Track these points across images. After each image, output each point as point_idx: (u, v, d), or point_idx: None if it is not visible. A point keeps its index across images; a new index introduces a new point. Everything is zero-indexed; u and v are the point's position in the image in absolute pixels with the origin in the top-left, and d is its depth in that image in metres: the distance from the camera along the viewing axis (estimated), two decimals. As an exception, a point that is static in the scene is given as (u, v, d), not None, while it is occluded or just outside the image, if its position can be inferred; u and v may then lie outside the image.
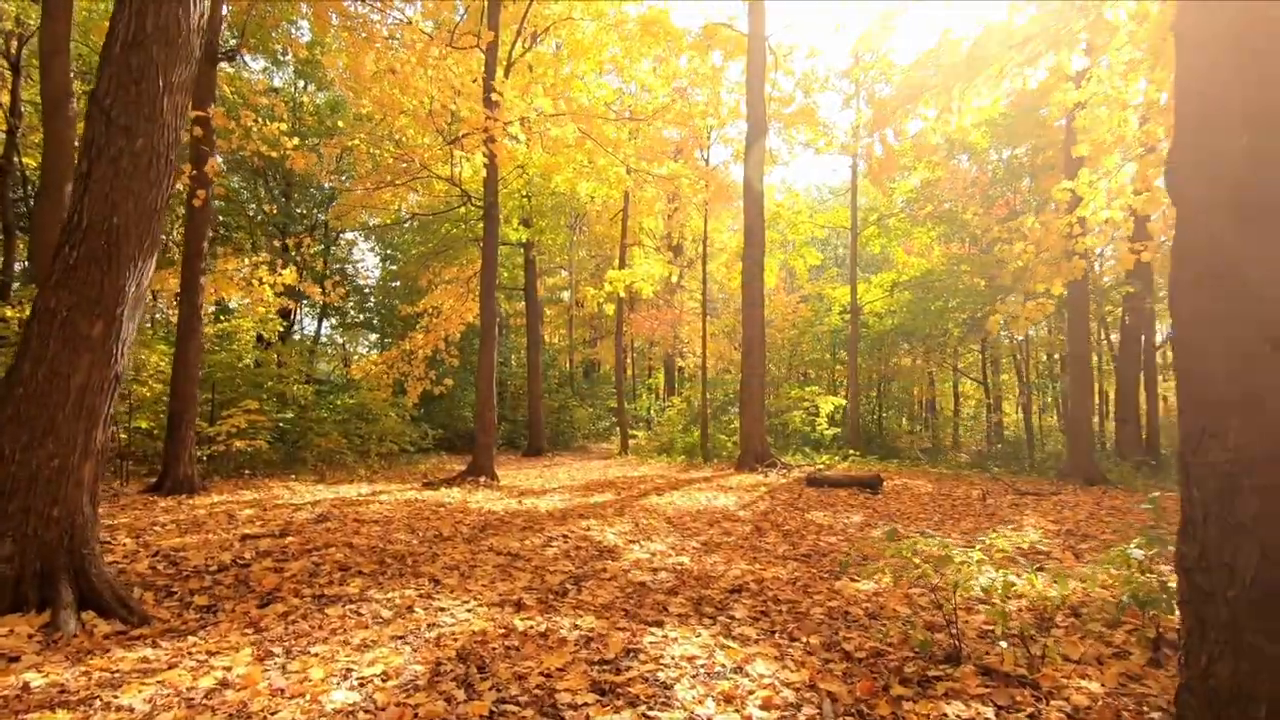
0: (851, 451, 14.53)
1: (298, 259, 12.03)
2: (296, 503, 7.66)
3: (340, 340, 29.17)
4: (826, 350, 21.75)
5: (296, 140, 9.24)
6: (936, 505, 8.02)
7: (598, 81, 15.43)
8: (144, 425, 9.76)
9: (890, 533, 3.14)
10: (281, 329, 12.71)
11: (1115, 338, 25.35)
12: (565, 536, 5.94)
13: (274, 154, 9.24)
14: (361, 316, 23.95)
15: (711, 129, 15.51)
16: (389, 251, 22.42)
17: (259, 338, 14.24)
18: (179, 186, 6.94)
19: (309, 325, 25.62)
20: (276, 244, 15.83)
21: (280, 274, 9.26)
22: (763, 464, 12.26)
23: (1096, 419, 22.57)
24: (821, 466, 12.41)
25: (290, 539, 5.54)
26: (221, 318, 12.50)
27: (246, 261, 8.81)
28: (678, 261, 26.51)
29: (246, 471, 10.87)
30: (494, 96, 7.70)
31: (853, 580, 4.63)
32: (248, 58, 18.29)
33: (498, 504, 7.97)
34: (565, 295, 31.09)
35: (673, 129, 13.03)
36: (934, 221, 16.65)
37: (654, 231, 20.48)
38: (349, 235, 24.91)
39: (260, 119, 8.94)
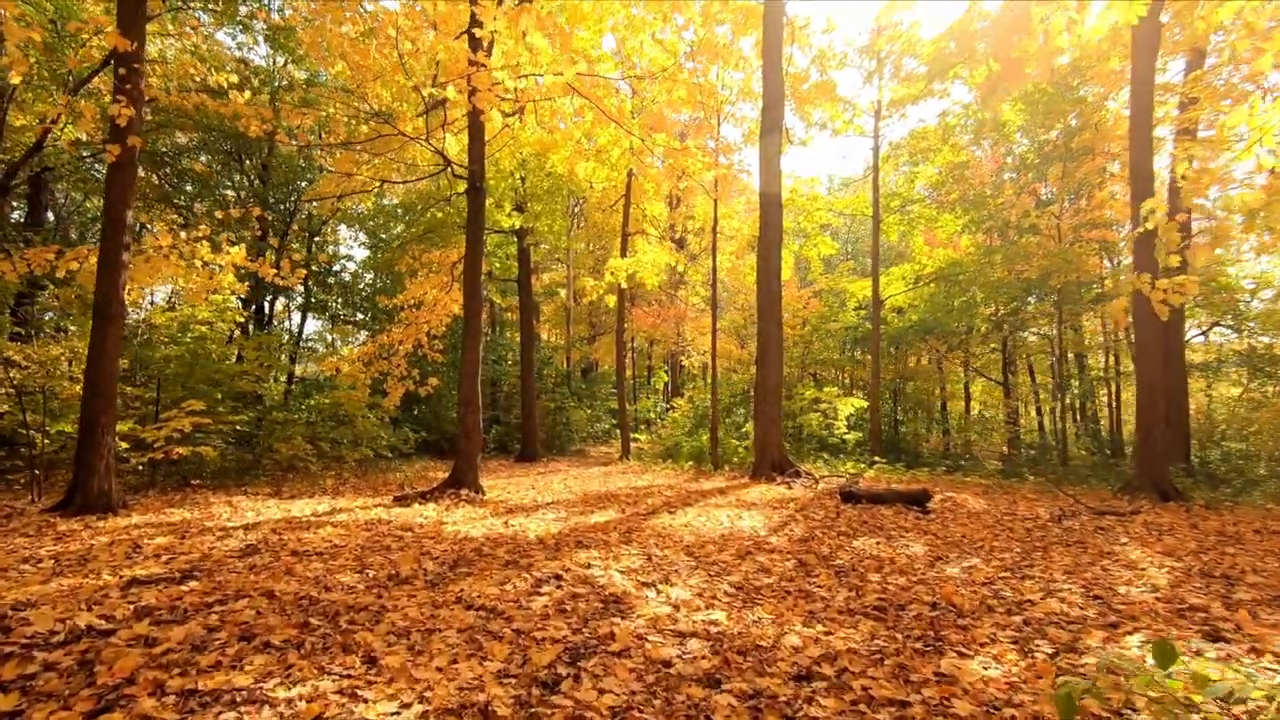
0: (877, 459, 13.22)
1: (248, 235, 10.61)
2: (232, 525, 6.30)
3: (331, 338, 27.72)
4: (839, 349, 20.43)
5: (248, 95, 7.88)
6: (1006, 529, 6.69)
7: (600, 53, 14.11)
8: (69, 429, 8.39)
9: (1160, 648, 1.75)
10: (241, 320, 11.32)
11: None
12: (559, 577, 4.59)
13: (222, 110, 7.88)
14: (345, 311, 22.57)
15: (723, 104, 14.19)
16: (375, 242, 21.03)
17: (238, 331, 12.93)
18: (80, 135, 5.59)
19: (297, 322, 24.24)
20: (229, 217, 14.44)
21: (227, 251, 7.91)
22: (783, 474, 10.94)
23: (1109, 424, 21.29)
24: (849, 477, 11.09)
25: (192, 584, 4.19)
26: (176, 306, 11.13)
27: (183, 236, 7.44)
28: (681, 255, 25.19)
29: (195, 482, 9.49)
30: (478, 32, 6.36)
31: (962, 655, 3.29)
32: (222, 34, 16.98)
33: (479, 526, 6.61)
34: (561, 293, 29.73)
35: (683, 101, 11.71)
36: (964, 207, 15.34)
37: (658, 219, 19.17)
38: (338, 229, 23.58)
39: (206, 67, 7.60)
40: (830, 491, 9.28)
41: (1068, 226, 15.90)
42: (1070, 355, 22.14)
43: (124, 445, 8.41)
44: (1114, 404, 21.80)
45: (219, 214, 6.95)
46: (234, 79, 7.90)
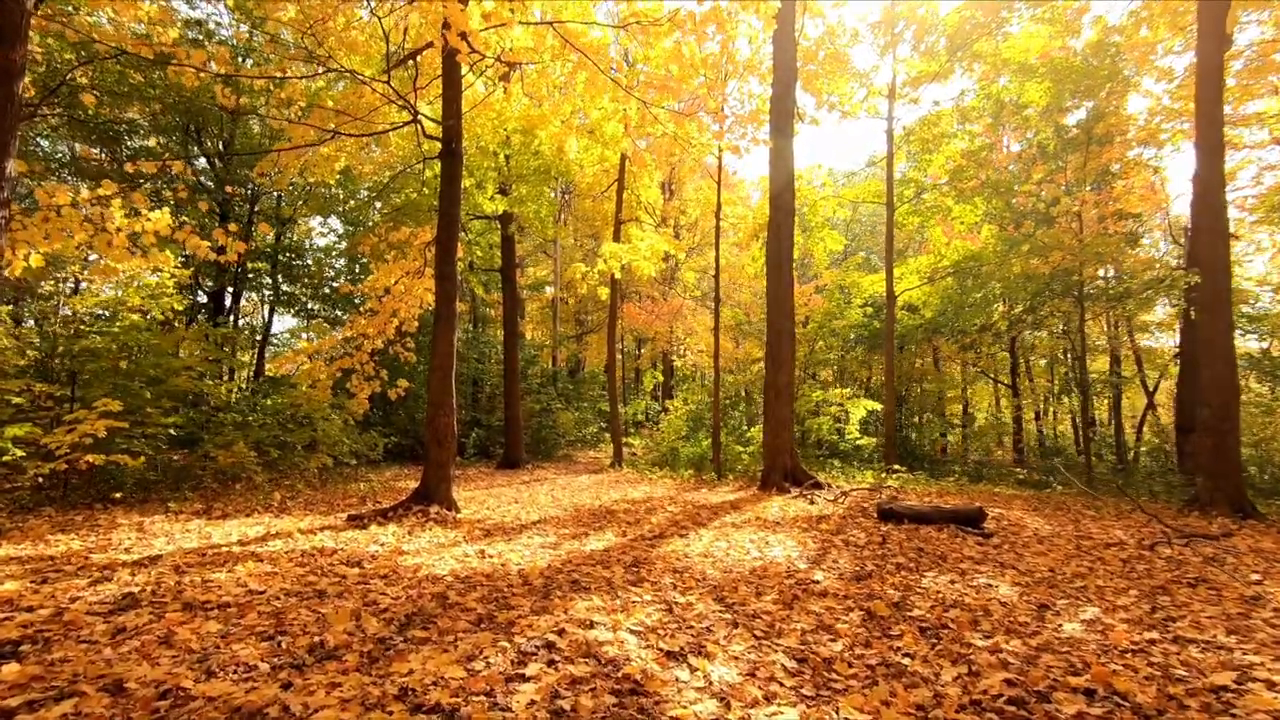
0: (896, 467, 12.04)
1: (171, 193, 9.13)
2: (125, 559, 4.91)
3: (308, 335, 26.11)
4: (844, 348, 19.27)
5: (175, 34, 6.50)
6: (1095, 559, 5.49)
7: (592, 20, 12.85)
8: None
9: None
10: (179, 307, 9.86)
11: (1143, 339, 23.35)
12: (550, 646, 3.29)
13: (146, 52, 6.48)
14: (317, 306, 21.01)
15: (728, 78, 12.96)
16: (349, 231, 19.55)
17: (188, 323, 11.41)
18: None
19: (280, 320, 22.66)
20: (139, 171, 12.94)
21: (147, 217, 6.52)
22: (798, 484, 9.72)
23: (1113, 430, 20.37)
24: (871, 487, 9.89)
25: (8, 669, 2.83)
26: (100, 288, 9.66)
27: (85, 194, 6.04)
28: (672, 257, 23.90)
29: (117, 496, 8.03)
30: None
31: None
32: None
33: (447, 558, 5.28)
34: (548, 289, 28.34)
35: (690, 67, 10.46)
36: (988, 193, 14.22)
37: (653, 206, 17.89)
38: (310, 221, 22.08)
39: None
40: (860, 507, 8.06)
41: (1091, 217, 14.91)
42: (1084, 357, 21.26)
43: (19, 453, 6.97)
44: (1117, 409, 21.00)
45: (129, 167, 5.59)
46: (153, 10, 6.52)
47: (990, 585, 4.64)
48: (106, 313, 10.01)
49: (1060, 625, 3.81)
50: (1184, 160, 50.71)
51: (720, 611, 4.00)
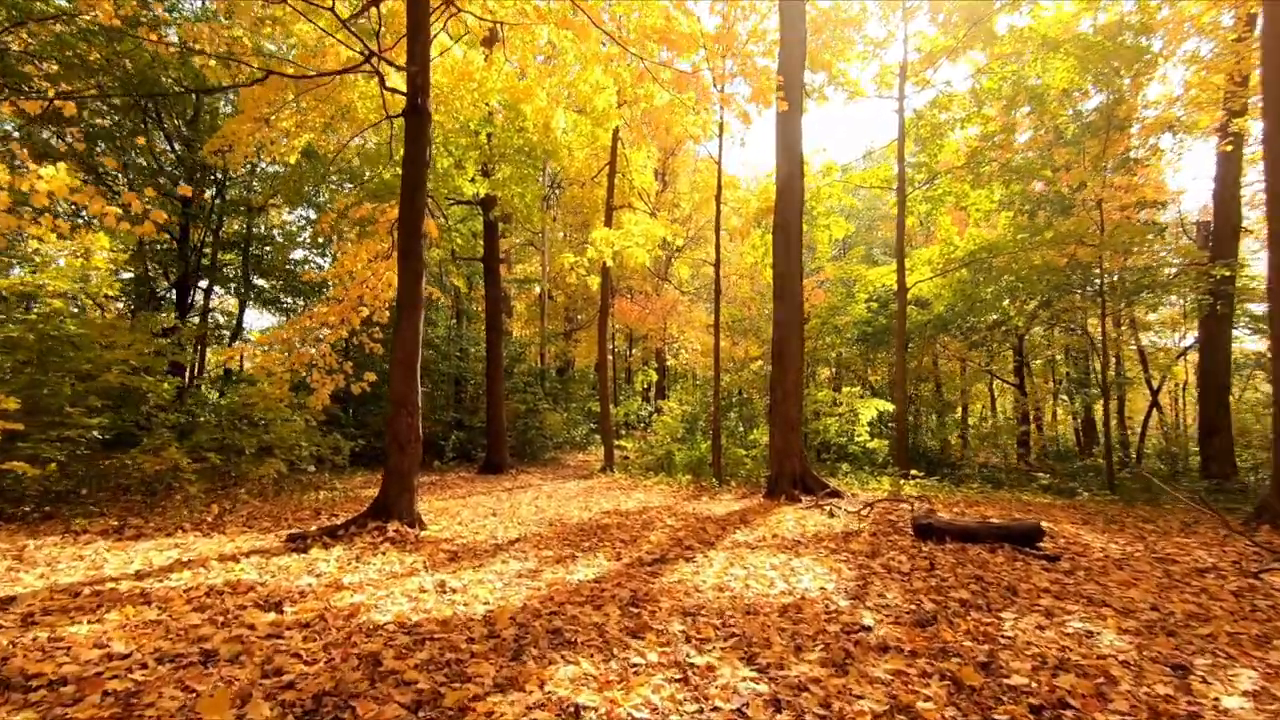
0: (915, 472, 11.04)
1: (68, 140, 7.98)
2: (-30, 602, 3.78)
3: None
4: (845, 345, 18.29)
5: None
6: (1194, 589, 4.49)
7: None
8: None
9: None
10: (112, 293, 8.69)
11: (1150, 338, 22.64)
12: (516, 755, 2.22)
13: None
14: (290, 300, 19.78)
15: (729, 53, 11.95)
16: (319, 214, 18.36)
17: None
18: None
19: (260, 318, 21.41)
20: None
21: (37, 174, 5.36)
22: (810, 492, 8.69)
23: (1118, 432, 19.58)
24: (889, 496, 8.87)
25: None
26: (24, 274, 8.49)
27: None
28: (667, 247, 22.82)
29: (26, 509, 6.86)
30: None
31: None
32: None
33: (396, 593, 4.19)
34: (535, 287, 27.18)
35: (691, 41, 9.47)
36: (1007, 177, 13.26)
37: (646, 192, 16.81)
38: (286, 216, 20.83)
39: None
40: (889, 520, 7.03)
41: (1112, 206, 14.03)
42: (1105, 355, 20.43)
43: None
44: (1121, 410, 20.28)
45: (3, 108, 4.48)
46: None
47: (1092, 633, 3.61)
48: (34, 300, 8.85)
49: (1218, 701, 2.79)
50: (1192, 157, 50.64)
51: (752, 679, 2.94)
